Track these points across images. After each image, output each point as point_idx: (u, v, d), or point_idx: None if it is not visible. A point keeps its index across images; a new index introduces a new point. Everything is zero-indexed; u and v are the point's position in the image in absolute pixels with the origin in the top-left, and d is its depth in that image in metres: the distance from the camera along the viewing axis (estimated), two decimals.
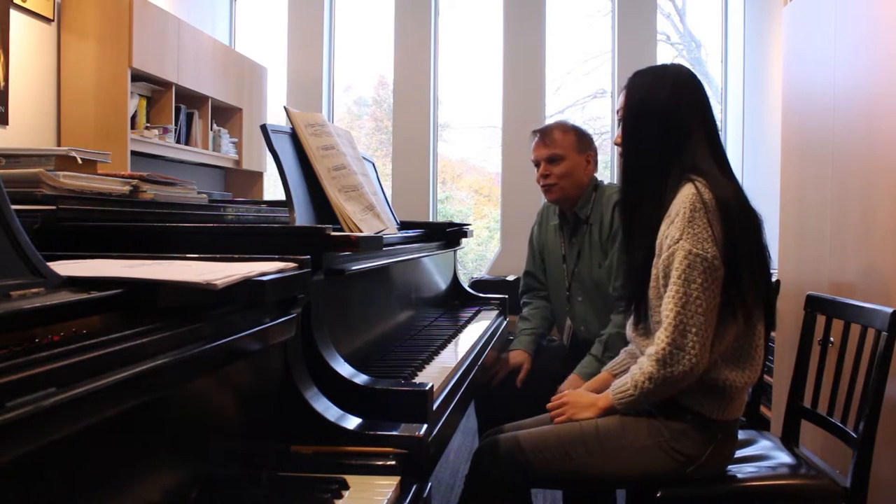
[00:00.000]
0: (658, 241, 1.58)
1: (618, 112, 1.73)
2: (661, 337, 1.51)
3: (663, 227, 1.57)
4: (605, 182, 2.39)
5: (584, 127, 2.42)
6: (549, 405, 1.74)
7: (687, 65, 1.94)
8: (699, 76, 1.70)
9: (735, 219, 1.53)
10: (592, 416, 1.64)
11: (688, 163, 1.59)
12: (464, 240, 2.63)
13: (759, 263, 1.57)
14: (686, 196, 1.54)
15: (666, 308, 1.51)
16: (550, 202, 2.41)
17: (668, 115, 1.62)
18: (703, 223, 1.50)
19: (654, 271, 1.58)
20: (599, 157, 2.43)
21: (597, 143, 2.43)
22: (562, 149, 2.29)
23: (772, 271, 1.63)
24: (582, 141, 2.33)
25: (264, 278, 0.89)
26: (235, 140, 4.67)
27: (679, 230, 1.51)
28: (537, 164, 2.33)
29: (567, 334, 2.40)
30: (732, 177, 1.64)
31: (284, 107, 1.82)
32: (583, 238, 2.32)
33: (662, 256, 1.55)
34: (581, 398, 1.69)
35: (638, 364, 1.56)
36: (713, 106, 1.69)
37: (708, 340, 1.50)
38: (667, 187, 1.60)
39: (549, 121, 5.06)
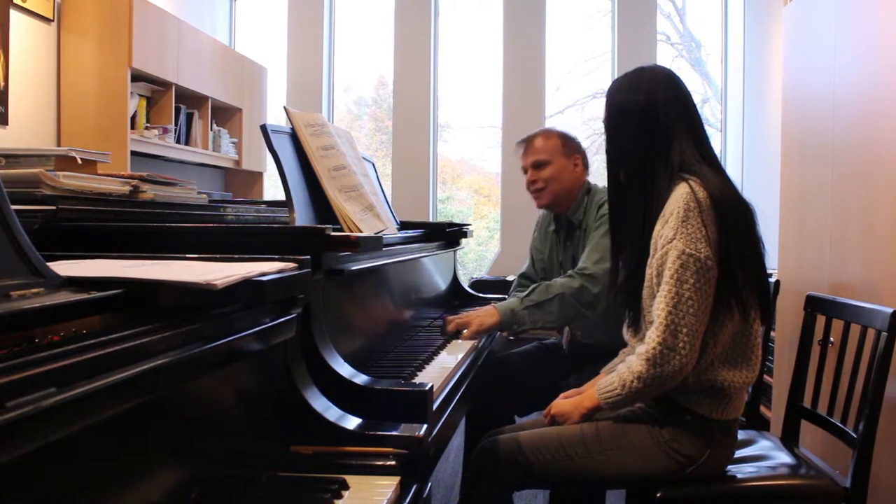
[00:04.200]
0: (653, 241, 1.58)
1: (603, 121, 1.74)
2: (651, 336, 1.50)
3: (658, 226, 1.57)
4: (600, 185, 2.37)
5: (584, 127, 2.42)
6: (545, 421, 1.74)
7: (686, 65, 1.94)
8: (698, 76, 1.70)
9: (729, 217, 1.52)
10: (579, 418, 1.64)
11: (675, 162, 1.59)
12: (464, 240, 2.63)
13: (754, 260, 1.57)
14: (680, 195, 1.53)
15: (658, 307, 1.51)
16: (540, 207, 2.40)
17: (646, 117, 1.62)
18: (696, 223, 1.50)
19: (648, 271, 1.58)
20: (599, 159, 2.41)
21: (596, 144, 2.41)
22: (545, 153, 2.30)
23: (770, 269, 1.63)
24: (567, 145, 2.33)
25: (264, 278, 0.89)
26: (235, 140, 4.67)
27: (673, 230, 1.51)
28: (525, 172, 2.34)
29: (566, 339, 2.39)
30: (722, 171, 1.63)
31: (284, 107, 1.82)
32: (577, 243, 2.32)
33: (656, 256, 1.55)
34: (565, 405, 1.69)
35: (626, 363, 1.55)
36: (714, 106, 1.69)
37: (698, 341, 1.50)
38: (653, 189, 1.60)
39: (548, 121, 5.07)
